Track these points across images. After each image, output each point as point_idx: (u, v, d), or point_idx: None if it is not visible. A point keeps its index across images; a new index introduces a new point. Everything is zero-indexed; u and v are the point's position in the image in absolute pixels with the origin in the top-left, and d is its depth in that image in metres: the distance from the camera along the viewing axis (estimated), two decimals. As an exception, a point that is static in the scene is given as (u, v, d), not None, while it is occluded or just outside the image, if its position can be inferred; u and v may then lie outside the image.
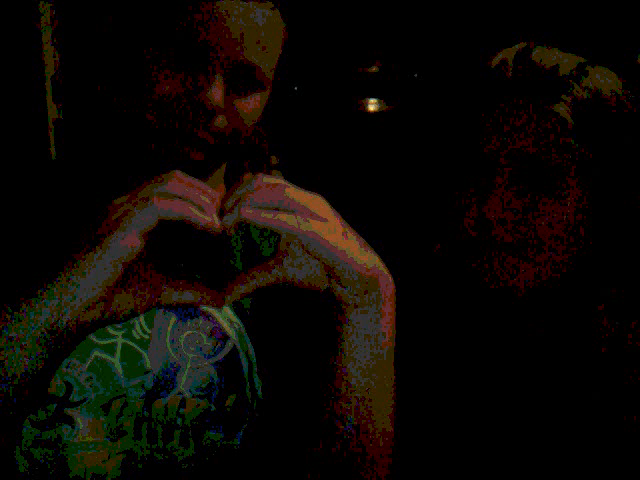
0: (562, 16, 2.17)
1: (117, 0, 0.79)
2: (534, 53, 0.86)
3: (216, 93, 0.74)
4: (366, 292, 0.67)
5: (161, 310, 0.82)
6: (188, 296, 0.66)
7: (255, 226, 0.64)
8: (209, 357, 0.82)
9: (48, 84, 1.95)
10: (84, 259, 0.60)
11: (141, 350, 0.80)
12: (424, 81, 2.63)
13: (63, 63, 1.96)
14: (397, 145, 2.56)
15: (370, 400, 0.71)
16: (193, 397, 0.81)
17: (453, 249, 0.89)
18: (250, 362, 0.83)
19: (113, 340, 0.80)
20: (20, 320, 0.60)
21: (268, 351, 0.84)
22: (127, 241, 0.60)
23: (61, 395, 0.78)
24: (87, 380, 0.78)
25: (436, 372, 0.92)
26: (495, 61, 0.88)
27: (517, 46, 0.88)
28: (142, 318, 0.81)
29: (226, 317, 0.84)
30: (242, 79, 0.77)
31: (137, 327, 0.81)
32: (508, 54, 0.87)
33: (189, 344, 0.82)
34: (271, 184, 0.64)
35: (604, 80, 0.86)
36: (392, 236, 1.07)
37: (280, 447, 0.79)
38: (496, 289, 0.85)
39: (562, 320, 0.88)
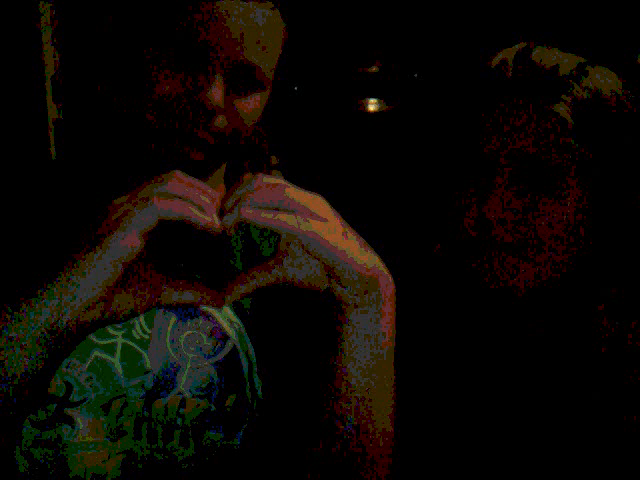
0: (562, 16, 2.17)
1: (117, 0, 0.79)
2: (534, 53, 0.86)
3: (216, 93, 0.74)
4: (366, 292, 0.67)
5: (161, 310, 0.82)
6: (188, 296, 0.66)
7: (255, 226, 0.64)
8: (209, 357, 0.82)
9: (48, 84, 1.95)
10: (84, 259, 0.60)
11: (141, 350, 0.80)
12: (424, 81, 2.63)
13: (63, 63, 1.96)
14: (397, 145, 2.56)
15: (370, 400, 0.71)
16: (193, 397, 0.81)
17: (453, 249, 0.89)
18: (250, 362, 0.83)
19: (113, 340, 0.80)
20: (20, 320, 0.60)
21: (268, 351, 0.84)
22: (127, 241, 0.60)
23: (61, 395, 0.78)
24: (87, 380, 0.78)
25: (436, 372, 0.92)
26: (495, 61, 0.88)
27: (517, 46, 0.88)
28: (142, 318, 0.81)
29: (226, 317, 0.84)
30: (242, 79, 0.77)
31: (137, 327, 0.81)
32: (508, 54, 0.87)
33: (189, 344, 0.82)
34: (271, 184, 0.64)
35: (604, 80, 0.86)
36: (392, 236, 1.07)
37: (280, 447, 0.79)
38: (496, 289, 0.85)
39: (562, 320, 0.88)
